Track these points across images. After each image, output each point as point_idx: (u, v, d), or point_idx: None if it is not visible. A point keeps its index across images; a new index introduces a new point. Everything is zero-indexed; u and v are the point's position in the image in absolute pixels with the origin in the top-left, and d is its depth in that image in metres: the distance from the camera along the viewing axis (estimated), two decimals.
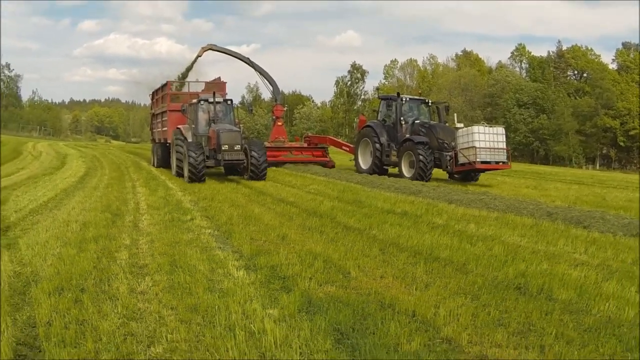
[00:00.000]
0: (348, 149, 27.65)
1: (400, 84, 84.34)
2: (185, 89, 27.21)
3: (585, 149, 72.28)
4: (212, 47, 30.42)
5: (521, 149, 69.56)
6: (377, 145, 22.35)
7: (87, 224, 9.78)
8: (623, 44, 78.49)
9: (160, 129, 26.29)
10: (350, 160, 25.36)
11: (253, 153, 19.07)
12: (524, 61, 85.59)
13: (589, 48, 78.73)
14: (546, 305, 5.65)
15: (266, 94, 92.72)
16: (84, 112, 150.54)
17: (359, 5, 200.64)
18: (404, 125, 22.08)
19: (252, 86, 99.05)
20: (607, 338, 4.82)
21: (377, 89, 71.96)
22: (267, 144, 26.73)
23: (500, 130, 20.62)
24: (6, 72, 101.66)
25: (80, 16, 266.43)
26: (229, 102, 21.21)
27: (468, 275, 6.72)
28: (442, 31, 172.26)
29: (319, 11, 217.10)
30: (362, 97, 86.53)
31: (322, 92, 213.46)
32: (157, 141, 27.25)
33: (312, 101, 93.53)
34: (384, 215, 11.20)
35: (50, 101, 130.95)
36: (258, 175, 19.00)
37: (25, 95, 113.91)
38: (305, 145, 28.80)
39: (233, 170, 20.58)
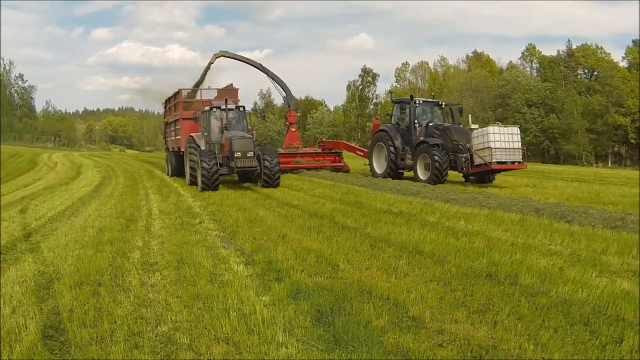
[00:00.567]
0: (362, 154, 27.49)
1: (412, 87, 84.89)
2: (197, 97, 27.05)
3: (596, 147, 72.43)
4: (224, 54, 30.52)
5: (532, 149, 69.78)
6: (392, 149, 22.34)
7: (102, 228, 10.61)
8: (633, 41, 78.69)
9: (173, 138, 26.42)
10: (365, 164, 25.37)
11: (266, 160, 18.99)
12: (535, 61, 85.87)
13: (599, 46, 78.94)
14: (509, 289, 6.34)
15: (278, 100, 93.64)
16: (98, 122, 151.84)
17: (371, 8, 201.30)
18: (418, 128, 22.02)
19: (264, 92, 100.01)
20: (555, 315, 5.49)
21: (390, 92, 72.35)
22: (281, 150, 27.07)
23: (516, 130, 20.58)
24: (20, 83, 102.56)
25: (93, 25, 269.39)
26: (241, 108, 21.29)
27: (445, 265, 7.43)
28: (456, 33, 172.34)
29: (331, 15, 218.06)
30: (374, 100, 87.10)
31: (335, 96, 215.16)
32: (170, 150, 27.35)
33: (325, 106, 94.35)
34: (380, 215, 11.93)
35: (64, 111, 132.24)
36: (271, 182, 18.92)
37: (39, 106, 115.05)
38: (320, 150, 28.84)
39: (247, 178, 20.73)
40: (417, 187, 17.66)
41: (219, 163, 18.73)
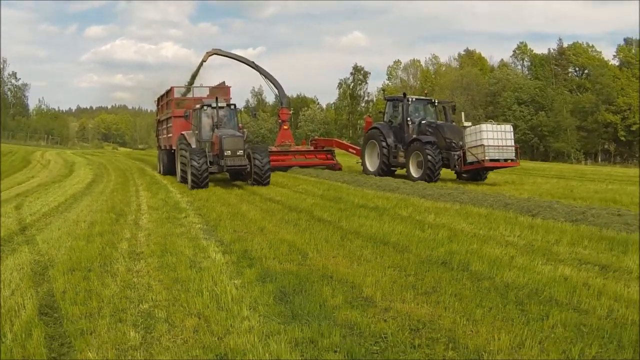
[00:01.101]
0: (355, 151, 27.60)
1: (403, 85, 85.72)
2: (189, 95, 27.01)
3: (586, 144, 73.42)
4: (217, 52, 30.58)
5: (521, 147, 70.22)
6: (384, 147, 22.39)
7: (94, 222, 11.31)
8: (625, 39, 79.75)
9: (165, 136, 26.43)
10: (357, 162, 25.42)
11: (256, 158, 19.03)
12: (526, 59, 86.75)
13: (590, 45, 79.98)
14: (458, 274, 7.06)
15: (270, 97, 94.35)
16: (91, 120, 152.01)
17: (364, 6, 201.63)
18: (410, 126, 22.08)
19: (256, 90, 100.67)
20: (493, 296, 6.18)
21: (383, 90, 73.08)
22: (273, 148, 27.30)
23: (508, 127, 20.66)
24: (13, 81, 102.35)
25: (87, 22, 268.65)
26: (232, 106, 21.35)
27: (405, 254, 8.15)
28: (449, 30, 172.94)
29: (325, 12, 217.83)
30: (366, 98, 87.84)
31: (328, 93, 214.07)
32: (162, 148, 27.33)
33: (317, 103, 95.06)
34: (356, 209, 12.64)
35: (57, 109, 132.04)
36: (261, 180, 18.97)
37: (32, 103, 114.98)
38: (312, 148, 29.03)
39: (238, 176, 20.89)
40: (397, 183, 18.38)
41: (209, 161, 18.75)
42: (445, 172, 21.51)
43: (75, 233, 10.18)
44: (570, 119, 70.52)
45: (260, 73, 30.21)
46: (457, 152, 20.35)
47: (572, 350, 4.66)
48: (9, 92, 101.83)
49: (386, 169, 22.64)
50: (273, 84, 30.03)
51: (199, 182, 18.08)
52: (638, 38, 75.85)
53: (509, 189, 18.33)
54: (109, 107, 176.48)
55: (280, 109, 30.22)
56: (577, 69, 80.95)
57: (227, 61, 31.91)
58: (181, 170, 20.16)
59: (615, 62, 77.34)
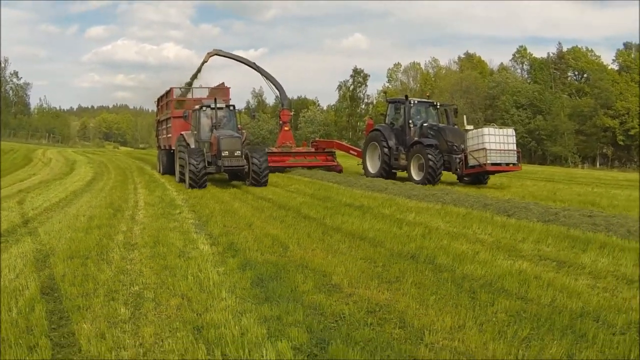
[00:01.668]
0: (356, 153, 27.58)
1: (404, 87, 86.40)
2: (189, 95, 27.09)
3: (585, 148, 74.05)
4: (218, 53, 30.65)
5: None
6: (386, 149, 22.30)
7: (92, 217, 12.03)
8: (624, 44, 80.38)
9: (165, 136, 26.55)
10: (358, 164, 25.39)
11: (254, 159, 19.15)
12: (525, 63, 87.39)
13: (589, 49, 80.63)
14: (423, 266, 7.73)
15: (270, 99, 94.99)
16: (92, 119, 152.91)
17: (366, 9, 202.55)
18: (412, 128, 22.00)
19: (256, 91, 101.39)
20: (449, 286, 6.83)
21: (385, 92, 73.67)
22: (274, 149, 27.78)
23: (511, 131, 20.57)
24: (15, 80, 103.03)
25: (88, 23, 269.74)
26: (231, 107, 21.46)
27: (378, 248, 8.85)
28: (450, 34, 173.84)
29: (326, 15, 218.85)
30: (365, 100, 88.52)
31: (329, 95, 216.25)
32: (162, 148, 27.40)
33: (318, 105, 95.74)
34: (342, 208, 13.34)
35: (58, 108, 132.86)
36: (259, 181, 19.09)
37: (33, 102, 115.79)
38: (313, 150, 29.04)
39: (236, 176, 21.02)
40: (386, 184, 19.00)
41: (208, 161, 18.88)
42: (446, 175, 21.64)
43: (75, 226, 10.89)
44: (567, 123, 71.24)
45: (262, 74, 30.38)
46: (459, 156, 20.33)
47: (507, 331, 5.31)
48: (10, 91, 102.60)
49: (387, 171, 22.54)
50: (274, 85, 30.15)
51: (197, 183, 18.22)
52: (638, 42, 76.39)
53: (494, 191, 18.99)
54: (111, 106, 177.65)
55: (281, 110, 30.36)
56: (576, 73, 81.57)
57: (228, 62, 32.22)
58: (180, 170, 20.39)
59: (615, 67, 77.90)
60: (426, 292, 6.55)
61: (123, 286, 6.60)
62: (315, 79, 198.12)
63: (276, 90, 30.26)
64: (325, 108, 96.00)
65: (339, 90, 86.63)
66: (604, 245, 9.16)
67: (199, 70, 30.69)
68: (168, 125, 25.51)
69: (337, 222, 11.29)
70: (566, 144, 71.38)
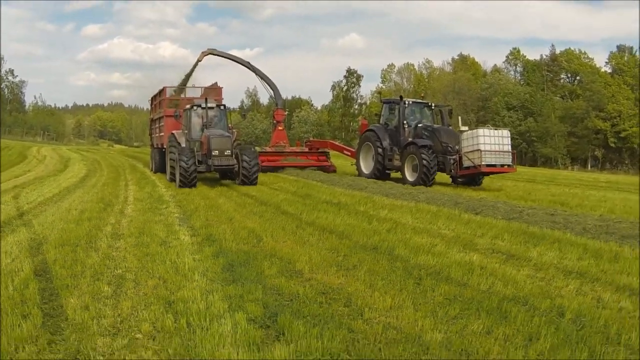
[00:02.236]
0: (350, 153, 27.68)
1: (397, 88, 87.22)
2: (182, 95, 27.28)
3: (577, 150, 74.95)
4: (213, 52, 30.77)
5: None
6: (380, 149, 22.27)
7: (84, 210, 12.84)
8: (618, 46, 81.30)
9: (157, 135, 26.90)
10: (352, 164, 25.37)
11: (244, 158, 19.41)
12: (519, 65, 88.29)
13: (582, 51, 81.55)
14: (381, 257, 8.51)
15: (265, 98, 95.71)
16: (87, 117, 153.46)
17: (362, 9, 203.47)
18: (406, 129, 21.96)
19: (250, 91, 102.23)
20: (400, 273, 7.61)
21: (379, 92, 74.47)
22: (267, 148, 28.24)
23: (506, 133, 20.60)
24: (10, 78, 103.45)
25: (84, 21, 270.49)
26: (222, 107, 21.73)
27: (344, 240, 9.66)
28: (446, 34, 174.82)
29: (322, 14, 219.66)
30: (359, 101, 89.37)
31: (324, 95, 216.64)
32: (155, 146, 27.71)
33: (312, 105, 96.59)
34: (320, 205, 14.13)
35: (53, 106, 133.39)
36: (249, 180, 19.37)
37: (29, 100, 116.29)
38: (307, 150, 29.15)
39: (227, 175, 21.35)
40: (367, 183, 19.82)
41: (198, 160, 19.16)
42: (441, 177, 21.88)
43: (67, 218, 11.71)
44: (558, 125, 72.18)
45: (256, 74, 30.55)
46: (453, 157, 20.39)
47: (439, 311, 6.09)
48: (6, 89, 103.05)
49: (381, 172, 22.60)
50: (268, 84, 30.31)
51: (187, 182, 18.47)
52: (637, 44, 77.22)
53: (469, 191, 19.69)
54: (106, 104, 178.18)
55: (275, 109, 30.52)
56: (569, 75, 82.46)
57: (222, 61, 32.33)
58: (171, 169, 20.76)
59: (608, 69, 78.78)
60: (377, 278, 7.32)
61: (108, 269, 7.43)
62: (310, 79, 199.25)
63: (270, 90, 30.43)
64: (319, 108, 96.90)
65: (332, 91, 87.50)
66: (557, 241, 9.90)
67: (193, 70, 31.02)
68: (161, 124, 25.84)
69: (312, 218, 12.08)
70: (556, 146, 72.29)
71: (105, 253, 8.37)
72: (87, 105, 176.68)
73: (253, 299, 6.17)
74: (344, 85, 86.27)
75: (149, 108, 32.28)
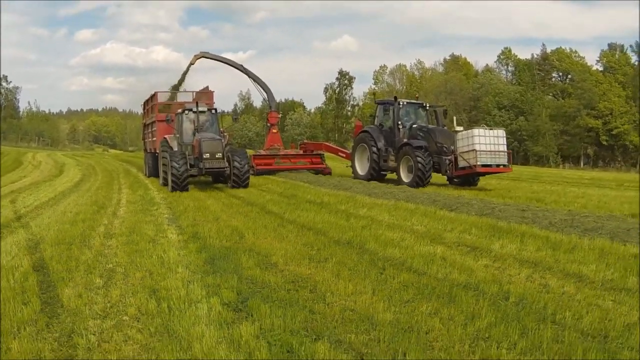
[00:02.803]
0: (345, 155, 27.52)
1: (390, 89, 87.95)
2: (174, 99, 27.59)
3: (569, 148, 75.66)
4: (205, 55, 30.79)
5: None
6: (375, 151, 22.23)
7: (78, 212, 13.61)
8: (609, 44, 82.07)
9: (150, 139, 27.03)
10: (347, 166, 25.34)
11: (236, 161, 19.63)
12: (510, 64, 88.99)
13: (574, 50, 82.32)
14: (352, 250, 9.25)
15: (258, 101, 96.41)
16: (82, 122, 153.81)
17: (355, 10, 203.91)
18: (401, 130, 21.90)
19: (244, 94, 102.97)
20: (366, 264, 8.32)
21: (374, 94, 75.30)
22: (262, 151, 28.50)
23: (501, 132, 20.64)
24: (4, 84, 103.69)
25: (77, 26, 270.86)
26: (213, 111, 21.82)
27: (320, 236, 10.41)
28: (439, 35, 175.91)
29: (315, 17, 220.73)
30: (351, 102, 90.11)
31: (317, 97, 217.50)
32: (148, 151, 27.91)
33: (305, 108, 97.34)
34: (303, 204, 14.86)
35: (48, 111, 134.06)
36: (241, 182, 19.66)
37: (22, 106, 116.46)
38: (301, 152, 28.98)
39: (219, 178, 21.48)
40: (353, 183, 20.49)
41: (190, 164, 19.34)
42: (437, 177, 21.95)
43: (62, 220, 12.48)
44: (549, 124, 72.89)
45: (249, 76, 30.57)
46: (449, 157, 20.33)
47: (395, 296, 6.80)
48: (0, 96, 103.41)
49: (376, 173, 22.57)
50: (262, 87, 30.35)
51: (179, 185, 18.70)
52: (628, 42, 77.85)
53: (450, 190, 20.03)
54: (100, 109, 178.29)
55: (269, 112, 30.49)
56: (560, 74, 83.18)
57: (215, 64, 32.45)
58: (163, 173, 20.93)
59: (599, 67, 79.42)
60: (344, 268, 8.05)
61: (100, 264, 8.19)
62: (303, 82, 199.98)
63: (264, 93, 30.50)
64: (312, 110, 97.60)
65: (325, 93, 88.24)
66: (522, 234, 10.53)
67: (185, 73, 31.33)
68: (153, 129, 26.05)
69: (293, 216, 12.82)
70: (548, 144, 73.01)
71: (98, 250, 9.13)
72: (82, 110, 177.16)
73: (229, 286, 6.91)
74: (337, 87, 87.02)
75: (142, 113, 32.64)
